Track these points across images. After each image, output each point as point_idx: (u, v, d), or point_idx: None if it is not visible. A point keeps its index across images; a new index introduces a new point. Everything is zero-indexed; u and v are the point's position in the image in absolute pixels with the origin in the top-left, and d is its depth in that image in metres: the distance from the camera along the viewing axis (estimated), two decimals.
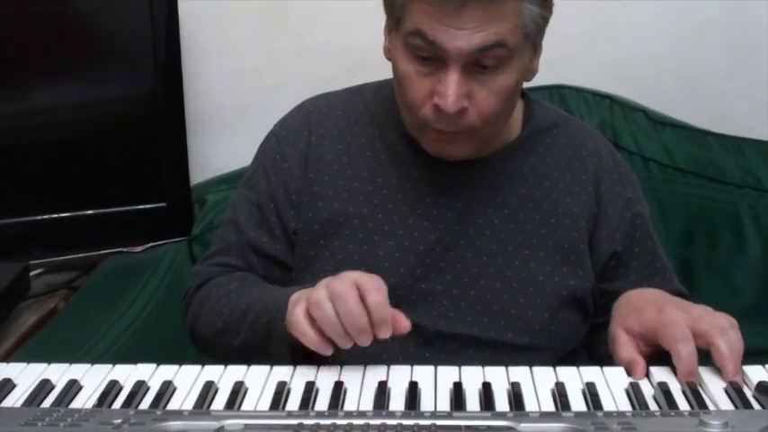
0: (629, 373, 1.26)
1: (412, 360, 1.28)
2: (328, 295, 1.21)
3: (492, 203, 1.50)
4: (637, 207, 1.56)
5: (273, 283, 1.51)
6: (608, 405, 1.16)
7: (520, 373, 1.24)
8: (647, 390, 1.20)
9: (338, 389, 1.20)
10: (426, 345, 1.45)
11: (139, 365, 1.28)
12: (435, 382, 1.22)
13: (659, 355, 1.27)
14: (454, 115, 1.34)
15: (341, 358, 1.26)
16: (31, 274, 2.07)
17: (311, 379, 1.22)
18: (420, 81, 1.36)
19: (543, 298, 1.47)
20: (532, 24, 1.34)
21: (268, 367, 1.27)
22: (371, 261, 1.47)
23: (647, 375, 1.25)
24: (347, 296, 1.20)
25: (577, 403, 1.17)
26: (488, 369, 1.25)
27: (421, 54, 1.34)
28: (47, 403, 1.18)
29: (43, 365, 1.28)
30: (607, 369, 1.26)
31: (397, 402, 1.17)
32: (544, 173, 1.53)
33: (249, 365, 1.27)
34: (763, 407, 1.16)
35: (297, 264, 1.52)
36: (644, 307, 1.32)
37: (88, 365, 1.28)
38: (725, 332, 1.23)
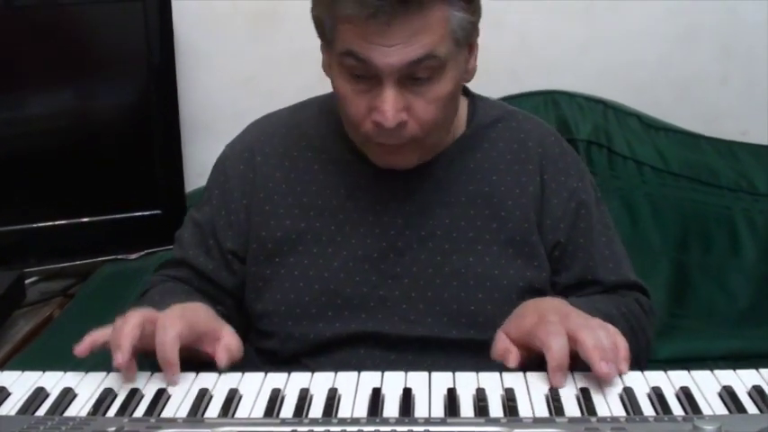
0: (505, 365, 1.26)
1: (382, 365, 1.29)
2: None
3: (441, 203, 1.50)
4: (582, 197, 1.56)
5: (208, 297, 1.53)
6: (602, 410, 1.16)
7: (514, 379, 1.24)
8: (641, 394, 1.20)
9: (332, 395, 1.19)
10: (391, 349, 1.46)
11: None
12: (429, 388, 1.22)
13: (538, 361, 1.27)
14: (395, 129, 1.35)
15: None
16: (27, 281, 2.08)
17: (305, 386, 1.23)
18: (358, 98, 1.37)
19: (501, 291, 1.48)
20: (461, 30, 1.35)
21: (262, 374, 1.27)
22: (327, 274, 1.49)
23: (641, 370, 1.24)
24: (128, 318, 1.26)
25: (571, 408, 1.17)
26: (482, 375, 1.25)
27: (356, 72, 1.36)
28: (41, 411, 1.18)
29: (38, 374, 1.29)
30: None
31: (390, 409, 1.17)
32: (491, 168, 1.53)
33: (243, 372, 1.28)
34: (760, 411, 1.15)
35: (254, 284, 1.53)
36: (527, 315, 1.32)
37: (83, 373, 1.28)
38: (592, 329, 1.23)
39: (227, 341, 1.31)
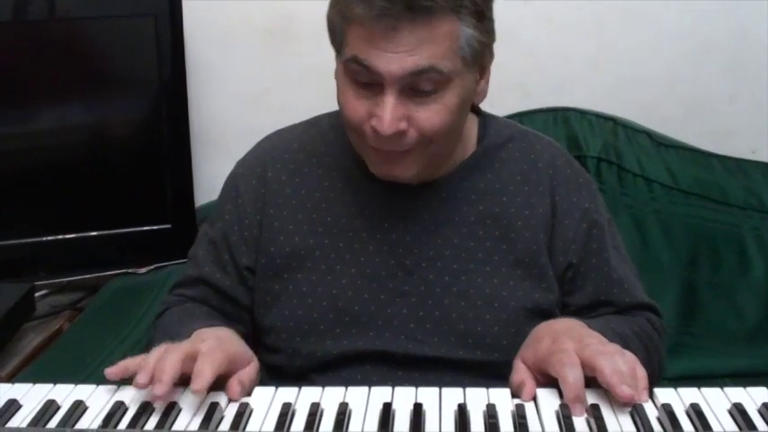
0: (517, 396, 1.25)
1: (388, 383, 1.28)
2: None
3: (450, 223, 1.50)
4: (594, 217, 1.55)
5: (226, 315, 1.53)
6: (612, 427, 1.16)
7: None
8: (651, 411, 1.20)
9: (343, 410, 1.20)
10: (398, 368, 1.46)
11: None
12: (440, 403, 1.22)
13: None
14: (392, 136, 1.35)
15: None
16: (37, 294, 2.09)
17: (316, 400, 1.23)
18: (360, 103, 1.38)
19: (508, 313, 1.47)
20: (468, 48, 1.34)
21: (273, 389, 1.27)
22: (335, 291, 1.49)
23: (651, 396, 1.24)
24: (170, 352, 1.24)
25: (581, 425, 1.17)
26: (492, 391, 1.25)
27: (360, 79, 1.36)
28: (52, 424, 1.19)
29: (49, 386, 1.29)
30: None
31: (401, 424, 1.17)
32: (501, 188, 1.53)
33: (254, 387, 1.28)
34: None
35: (263, 299, 1.53)
36: (542, 338, 1.31)
37: (94, 386, 1.29)
38: (609, 356, 1.22)
39: (240, 376, 1.29)
